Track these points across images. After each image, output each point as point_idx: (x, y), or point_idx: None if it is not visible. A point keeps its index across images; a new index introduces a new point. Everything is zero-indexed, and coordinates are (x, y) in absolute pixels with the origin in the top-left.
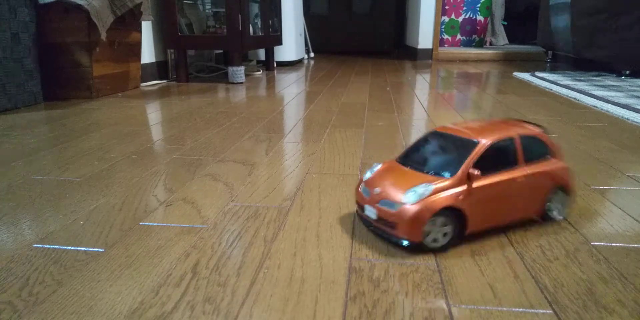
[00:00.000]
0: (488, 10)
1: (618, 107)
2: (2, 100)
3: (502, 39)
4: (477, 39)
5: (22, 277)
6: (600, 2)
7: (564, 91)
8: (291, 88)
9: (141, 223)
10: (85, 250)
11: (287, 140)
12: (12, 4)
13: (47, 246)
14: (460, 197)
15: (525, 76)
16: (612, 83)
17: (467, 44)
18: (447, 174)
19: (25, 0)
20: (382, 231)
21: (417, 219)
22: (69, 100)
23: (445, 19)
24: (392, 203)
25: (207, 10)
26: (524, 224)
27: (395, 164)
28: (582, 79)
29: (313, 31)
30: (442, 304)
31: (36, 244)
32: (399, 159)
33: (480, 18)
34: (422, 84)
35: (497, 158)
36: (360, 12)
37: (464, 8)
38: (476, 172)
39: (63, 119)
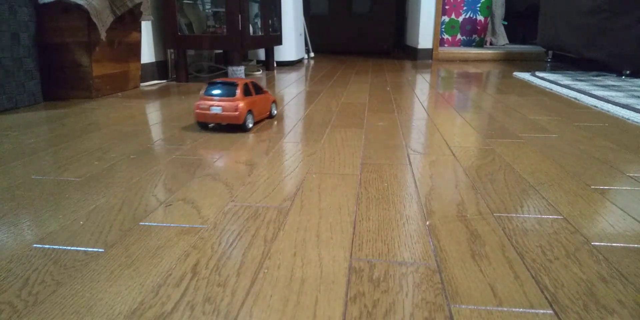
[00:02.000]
0: (488, 10)
1: (618, 107)
2: (1, 100)
3: (502, 38)
4: (478, 38)
5: (21, 277)
6: (600, 2)
7: (564, 91)
8: (291, 88)
9: (141, 223)
10: (85, 251)
11: (287, 140)
12: (12, 4)
13: (47, 246)
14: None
15: (525, 76)
16: (613, 83)
17: (468, 43)
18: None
19: (25, 0)
20: None
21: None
22: (69, 100)
23: (446, 18)
24: None
25: (207, 10)
26: (524, 224)
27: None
28: (583, 78)
29: (313, 31)
30: (442, 304)
31: (36, 244)
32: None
33: (480, 18)
34: (422, 84)
35: (252, 90)
36: (360, 12)
37: (464, 8)
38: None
39: (63, 119)
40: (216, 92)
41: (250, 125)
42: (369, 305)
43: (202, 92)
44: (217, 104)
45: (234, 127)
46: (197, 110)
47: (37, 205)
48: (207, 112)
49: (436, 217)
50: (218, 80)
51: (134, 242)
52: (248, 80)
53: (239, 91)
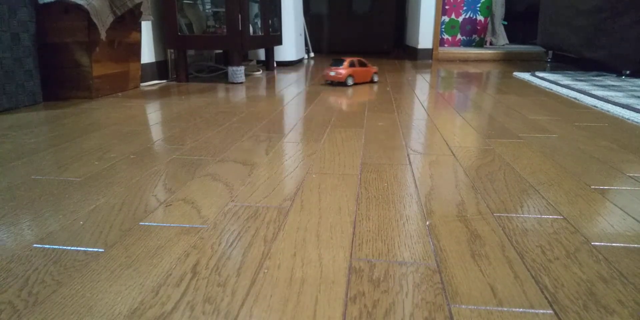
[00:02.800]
0: (488, 10)
1: (618, 107)
2: (2, 100)
3: (502, 38)
4: (478, 38)
5: (21, 277)
6: (600, 2)
7: (564, 91)
8: (291, 88)
9: (141, 223)
10: (85, 250)
11: (287, 140)
12: (12, 4)
13: (47, 246)
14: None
15: (525, 76)
16: (613, 83)
17: (468, 43)
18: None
19: (25, 0)
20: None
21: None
22: (69, 100)
23: (446, 18)
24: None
25: (207, 10)
26: (524, 224)
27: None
28: (583, 78)
29: (313, 31)
30: (442, 304)
31: (36, 244)
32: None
33: (480, 18)
34: (422, 84)
35: (356, 64)
36: (360, 12)
37: (464, 8)
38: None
39: (63, 119)
40: (335, 64)
41: (350, 83)
42: (369, 305)
43: (329, 65)
44: (334, 70)
45: (341, 83)
46: (326, 74)
47: (37, 205)
48: (330, 74)
49: (436, 217)
50: (337, 58)
51: (134, 242)
52: (355, 58)
53: (345, 64)
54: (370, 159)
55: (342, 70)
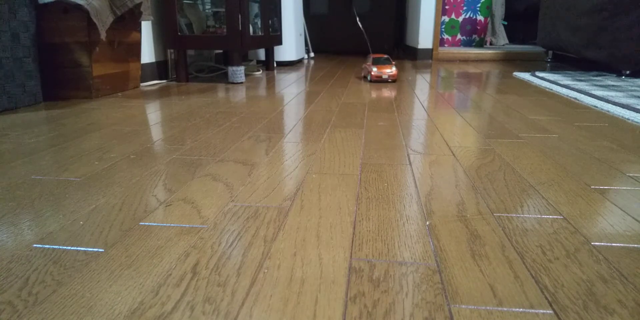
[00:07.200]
0: (488, 10)
1: (618, 107)
2: (1, 100)
3: (502, 38)
4: (477, 38)
5: (21, 277)
6: (600, 2)
7: (564, 91)
8: (291, 88)
9: (141, 223)
10: (85, 251)
11: (287, 140)
12: (12, 4)
13: (47, 246)
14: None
15: (525, 76)
16: (612, 83)
17: (467, 43)
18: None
19: (25, 0)
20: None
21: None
22: (69, 100)
23: (446, 18)
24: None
25: (207, 10)
26: (524, 224)
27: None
28: (582, 78)
29: (313, 31)
30: (442, 304)
31: (36, 244)
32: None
33: (480, 18)
34: (422, 84)
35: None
36: (360, 12)
37: (464, 8)
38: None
39: (63, 119)
40: (382, 63)
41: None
42: (369, 305)
43: (371, 63)
44: (383, 70)
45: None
46: (373, 73)
47: (37, 205)
48: (382, 74)
49: (436, 217)
50: (378, 57)
51: (134, 242)
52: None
53: (393, 63)
54: (370, 159)
55: (394, 70)
